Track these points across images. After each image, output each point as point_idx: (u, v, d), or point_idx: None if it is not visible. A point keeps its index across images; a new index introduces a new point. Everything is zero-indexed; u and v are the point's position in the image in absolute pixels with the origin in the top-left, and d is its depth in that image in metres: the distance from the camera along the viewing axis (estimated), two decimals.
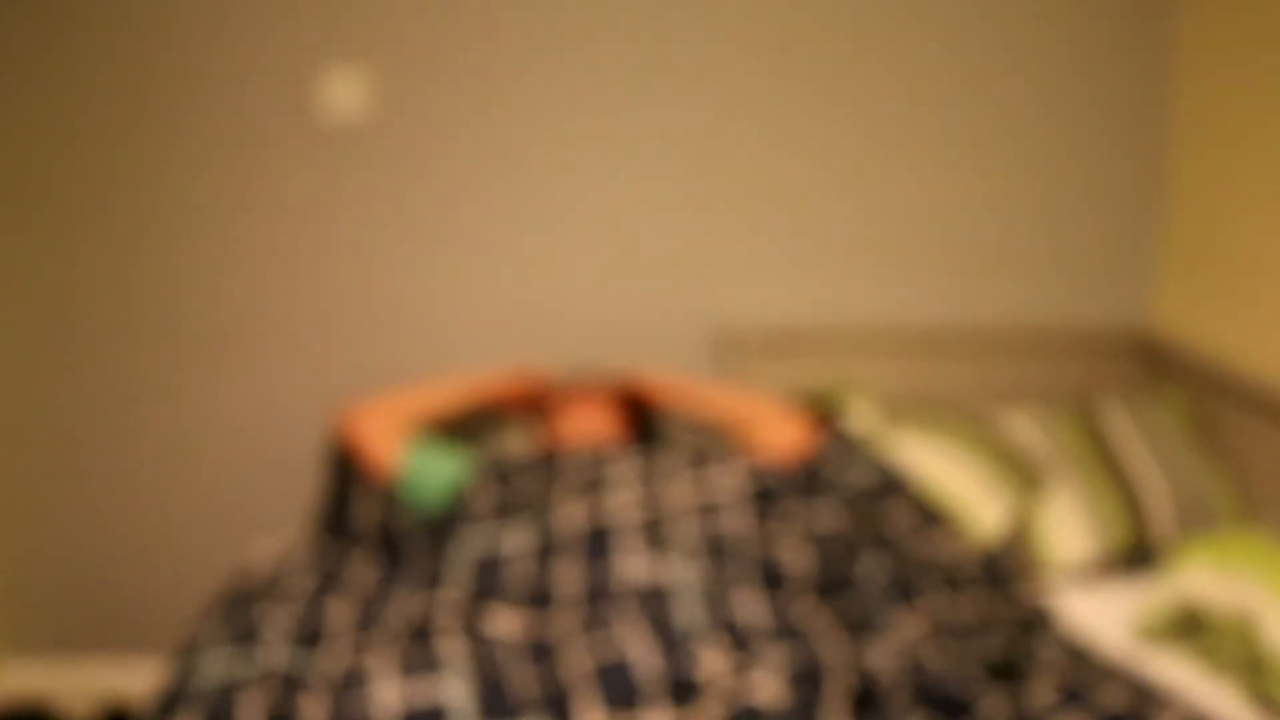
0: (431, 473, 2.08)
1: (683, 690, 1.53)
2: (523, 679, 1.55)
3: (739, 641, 1.63)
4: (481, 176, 2.48)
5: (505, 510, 1.92)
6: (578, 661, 1.57)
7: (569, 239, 2.51)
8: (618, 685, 1.52)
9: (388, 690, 1.49)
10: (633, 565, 1.75)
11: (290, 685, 1.54)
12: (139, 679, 2.59)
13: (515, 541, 1.83)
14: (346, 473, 2.19)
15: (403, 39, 2.41)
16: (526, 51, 2.44)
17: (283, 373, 2.52)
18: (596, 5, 2.43)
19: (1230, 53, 2.37)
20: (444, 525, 1.98)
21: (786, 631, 1.66)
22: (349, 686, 1.51)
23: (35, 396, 2.49)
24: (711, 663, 1.56)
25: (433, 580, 1.83)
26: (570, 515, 1.85)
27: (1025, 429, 2.34)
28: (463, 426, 2.42)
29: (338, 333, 2.51)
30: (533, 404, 2.37)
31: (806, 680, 1.55)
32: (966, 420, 2.35)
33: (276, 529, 2.56)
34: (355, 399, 2.53)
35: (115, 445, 2.52)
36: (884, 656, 1.63)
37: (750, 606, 1.70)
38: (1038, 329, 2.61)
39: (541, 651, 1.63)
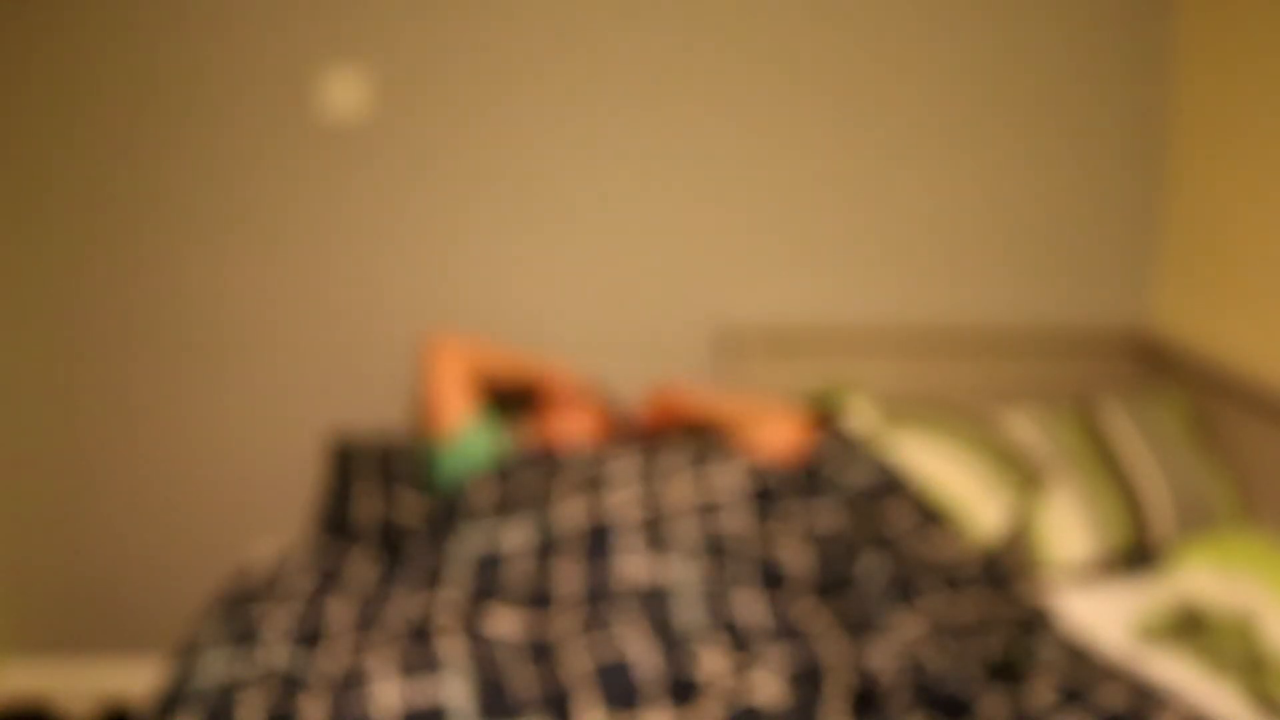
0: (476, 448, 2.10)
1: (683, 690, 1.53)
2: (523, 679, 1.55)
3: (739, 641, 1.63)
4: (481, 178, 2.48)
5: (505, 507, 1.92)
6: (578, 661, 1.57)
7: (569, 239, 2.51)
8: (618, 685, 1.52)
9: (388, 690, 1.49)
10: (633, 565, 1.75)
11: (290, 685, 1.54)
12: (139, 679, 2.59)
13: (515, 539, 1.83)
14: (346, 471, 2.19)
15: (403, 39, 2.41)
16: (527, 52, 2.44)
17: (283, 373, 2.52)
18: (596, 6, 2.43)
19: (1230, 53, 2.37)
20: (444, 521, 1.98)
21: (786, 631, 1.66)
22: (349, 686, 1.51)
23: (35, 396, 2.49)
24: (711, 663, 1.56)
25: (433, 579, 1.83)
26: (570, 513, 1.85)
27: (1025, 429, 2.34)
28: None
29: (338, 333, 2.51)
30: (556, 406, 2.36)
31: (806, 680, 1.55)
32: (966, 420, 2.35)
33: (276, 530, 2.56)
34: (352, 409, 2.52)
35: (115, 446, 2.52)
36: (884, 656, 1.63)
37: (750, 606, 1.70)
38: (1038, 329, 2.61)
39: (541, 651, 1.63)
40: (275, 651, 1.62)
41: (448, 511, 1.99)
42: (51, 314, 2.46)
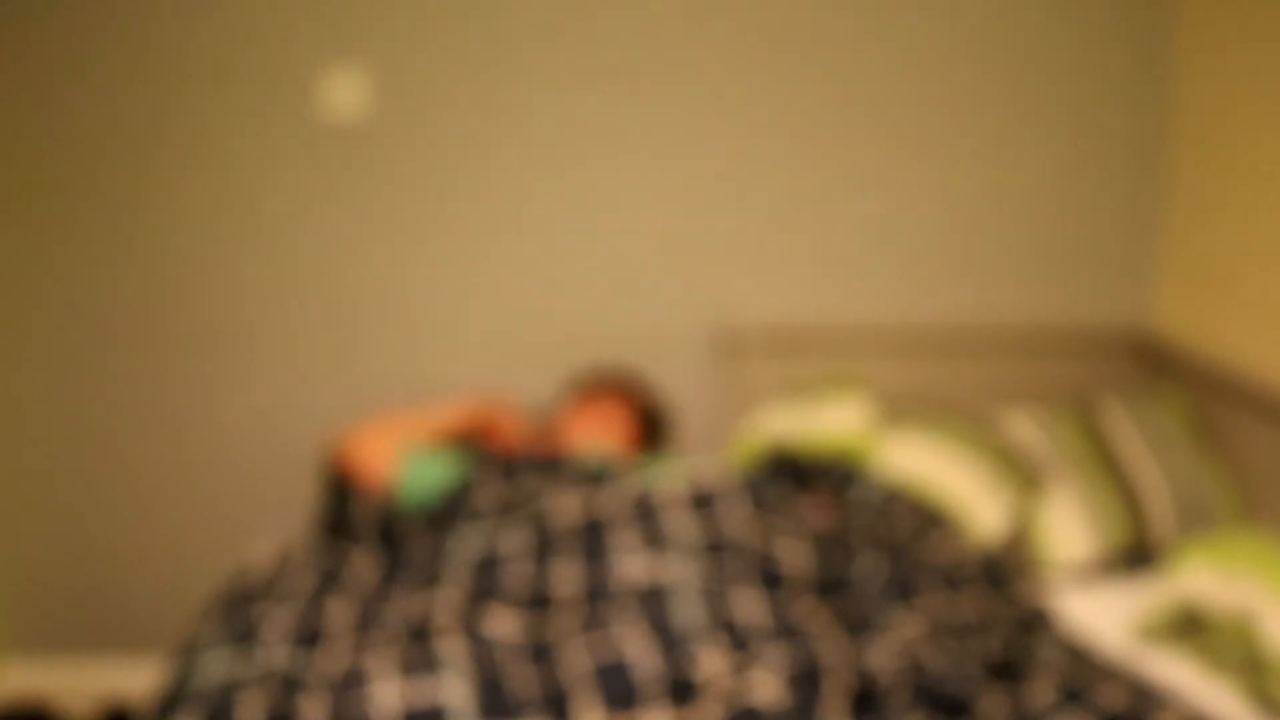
0: (426, 475, 2.08)
1: (682, 690, 1.53)
2: (522, 679, 1.55)
3: (738, 641, 1.63)
4: (480, 177, 2.48)
5: (506, 508, 1.92)
6: (577, 662, 1.57)
7: (570, 239, 2.51)
8: (617, 685, 1.52)
9: (387, 690, 1.49)
10: (631, 565, 1.75)
11: (290, 685, 1.54)
12: (139, 679, 2.59)
13: (512, 541, 1.83)
14: (344, 477, 2.19)
15: (403, 39, 2.41)
16: (527, 51, 2.44)
17: (282, 373, 2.52)
18: (597, 7, 2.43)
19: (1230, 53, 2.37)
20: (444, 520, 1.98)
21: (785, 631, 1.66)
22: (348, 687, 1.51)
23: (35, 397, 2.49)
24: (710, 663, 1.56)
25: (432, 579, 1.83)
26: (563, 507, 1.84)
27: (1025, 429, 2.34)
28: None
29: (337, 333, 2.51)
30: (493, 432, 2.33)
31: (805, 680, 1.55)
32: (966, 420, 2.35)
33: (276, 530, 2.56)
34: (350, 409, 2.52)
35: (115, 446, 2.52)
36: (883, 656, 1.63)
37: (749, 606, 1.70)
38: (1038, 329, 2.61)
39: (540, 652, 1.63)
40: (275, 651, 1.62)
41: (448, 511, 1.99)
42: (51, 315, 2.46)
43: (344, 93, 2.42)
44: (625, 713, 1.50)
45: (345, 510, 2.12)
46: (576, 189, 2.50)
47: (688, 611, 1.67)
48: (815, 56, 2.48)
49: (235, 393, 2.52)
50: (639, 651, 1.57)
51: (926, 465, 2.23)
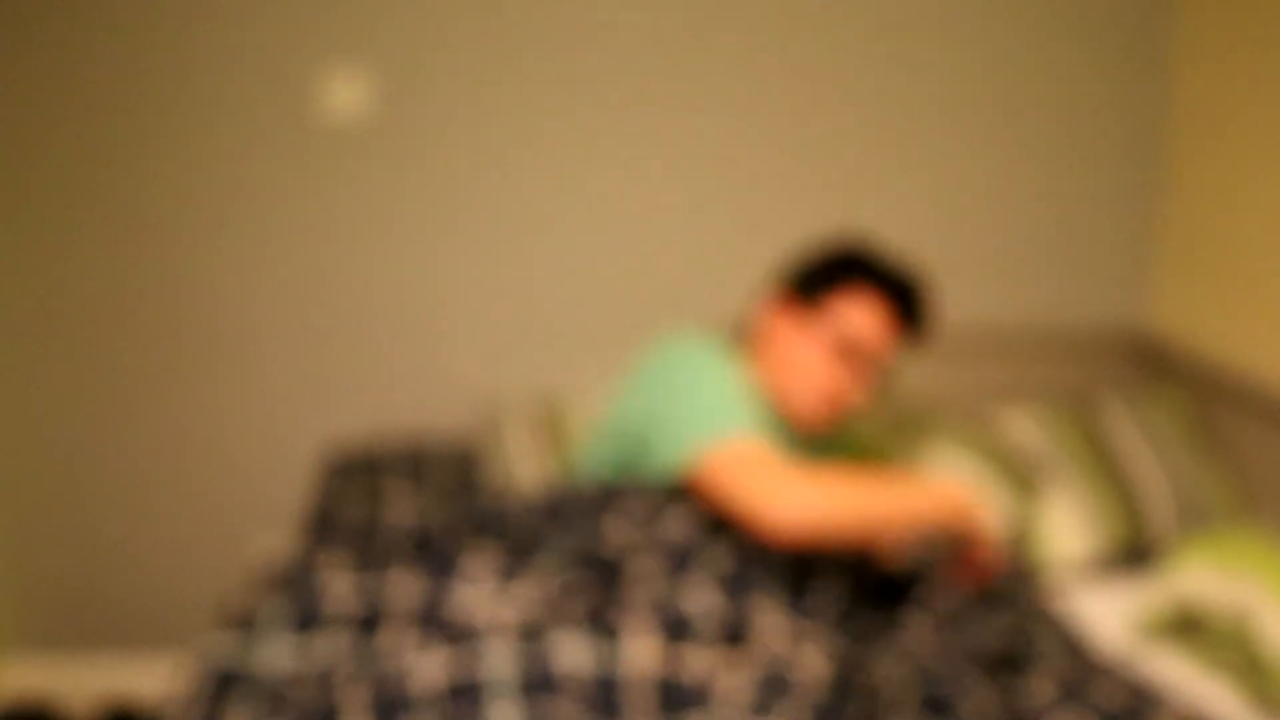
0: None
1: (736, 635, 1.49)
2: (572, 615, 1.48)
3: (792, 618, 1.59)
4: (481, 178, 2.48)
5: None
6: (635, 600, 1.51)
7: (569, 241, 2.52)
8: (672, 617, 1.48)
9: (431, 665, 1.42)
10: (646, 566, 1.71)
11: (341, 675, 1.46)
12: (141, 678, 2.59)
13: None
14: (339, 483, 2.13)
15: (403, 39, 2.42)
16: (527, 52, 2.44)
17: (282, 372, 2.52)
18: (598, 6, 2.44)
19: (1229, 51, 2.37)
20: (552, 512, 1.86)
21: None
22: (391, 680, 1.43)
23: (35, 395, 2.50)
24: (770, 620, 1.52)
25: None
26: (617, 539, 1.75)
27: (1025, 429, 2.34)
28: None
29: (339, 333, 2.52)
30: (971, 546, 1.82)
31: (840, 683, 1.53)
32: (965, 420, 2.35)
33: (276, 529, 2.57)
34: (352, 409, 2.52)
35: (115, 444, 2.53)
36: (883, 655, 1.63)
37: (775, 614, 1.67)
38: (1038, 329, 2.61)
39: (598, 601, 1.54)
40: (332, 638, 1.52)
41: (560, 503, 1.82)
42: (50, 315, 2.47)
43: (345, 93, 2.42)
44: (675, 644, 1.46)
45: (340, 508, 2.06)
46: (577, 190, 2.50)
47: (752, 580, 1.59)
48: (813, 58, 2.49)
49: (237, 391, 2.52)
50: (699, 596, 1.54)
51: (926, 465, 2.23)
